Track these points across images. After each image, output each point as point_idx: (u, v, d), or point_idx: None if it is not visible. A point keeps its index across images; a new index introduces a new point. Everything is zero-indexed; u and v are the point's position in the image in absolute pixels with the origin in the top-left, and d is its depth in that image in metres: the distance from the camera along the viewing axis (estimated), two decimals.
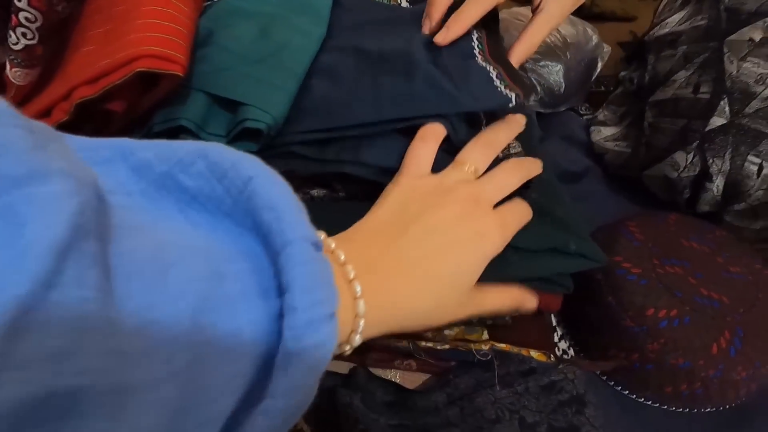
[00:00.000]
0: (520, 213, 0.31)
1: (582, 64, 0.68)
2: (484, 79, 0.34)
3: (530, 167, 0.33)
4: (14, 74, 0.30)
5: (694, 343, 0.38)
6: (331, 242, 0.24)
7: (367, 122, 0.33)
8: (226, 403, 0.16)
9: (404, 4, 0.59)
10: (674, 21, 0.56)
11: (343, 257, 0.23)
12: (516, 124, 0.35)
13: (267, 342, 0.16)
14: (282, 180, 0.19)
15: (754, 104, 0.48)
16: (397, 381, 0.38)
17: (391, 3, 0.58)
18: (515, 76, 0.35)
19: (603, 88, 0.78)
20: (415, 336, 0.37)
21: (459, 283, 0.27)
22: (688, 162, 0.52)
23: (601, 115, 0.65)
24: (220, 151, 0.18)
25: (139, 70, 0.28)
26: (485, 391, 0.34)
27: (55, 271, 0.11)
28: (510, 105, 0.32)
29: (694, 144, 0.51)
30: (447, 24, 0.36)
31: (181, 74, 0.29)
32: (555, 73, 0.67)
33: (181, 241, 0.16)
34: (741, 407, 0.42)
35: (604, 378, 0.43)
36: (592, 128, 0.64)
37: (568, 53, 0.67)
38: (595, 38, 0.69)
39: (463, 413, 0.34)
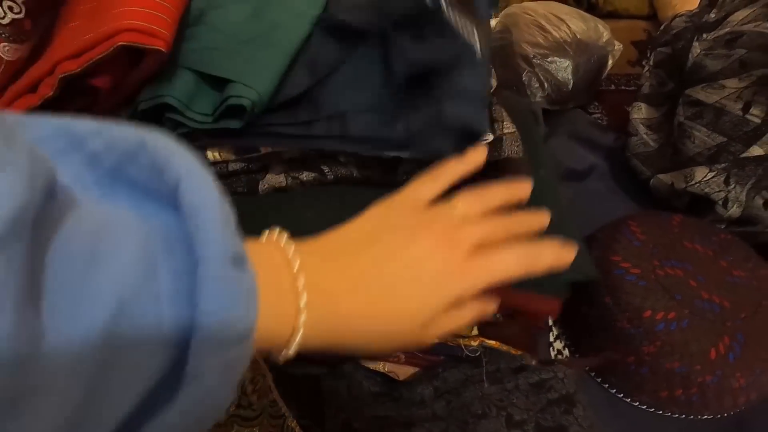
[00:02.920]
0: (504, 265, 0.27)
1: (591, 61, 0.67)
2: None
3: (531, 221, 0.29)
4: (3, 49, 0.30)
5: (691, 348, 0.37)
6: (290, 248, 0.23)
7: (348, 110, 0.32)
8: (128, 400, 0.16)
9: None
10: (736, 19, 0.51)
11: (297, 265, 0.22)
12: (519, 188, 0.31)
13: (177, 345, 0.16)
14: (210, 180, 0.18)
15: None
16: (385, 372, 0.37)
17: None
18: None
19: (613, 87, 0.76)
20: None
21: (411, 316, 0.25)
22: (705, 179, 0.50)
23: (647, 85, 0.61)
24: (156, 143, 0.18)
25: (121, 44, 0.27)
26: (473, 386, 0.34)
27: None
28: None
29: (722, 165, 0.49)
30: None
31: (164, 50, 0.29)
32: (563, 69, 0.66)
33: (122, 229, 0.16)
34: (740, 417, 0.40)
35: (599, 380, 0.42)
36: (634, 104, 0.61)
37: (577, 49, 0.66)
38: (606, 35, 0.68)
39: (449, 407, 0.33)
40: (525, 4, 0.72)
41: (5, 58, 0.30)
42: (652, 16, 0.84)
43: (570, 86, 0.65)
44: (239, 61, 0.33)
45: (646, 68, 0.62)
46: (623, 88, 0.76)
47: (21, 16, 0.29)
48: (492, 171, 0.34)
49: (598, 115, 0.71)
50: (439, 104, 0.31)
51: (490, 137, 0.33)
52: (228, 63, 0.32)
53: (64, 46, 0.29)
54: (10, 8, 0.28)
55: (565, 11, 0.68)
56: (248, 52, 0.33)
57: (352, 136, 0.32)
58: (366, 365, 0.38)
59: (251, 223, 0.34)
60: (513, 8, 0.71)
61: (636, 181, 0.60)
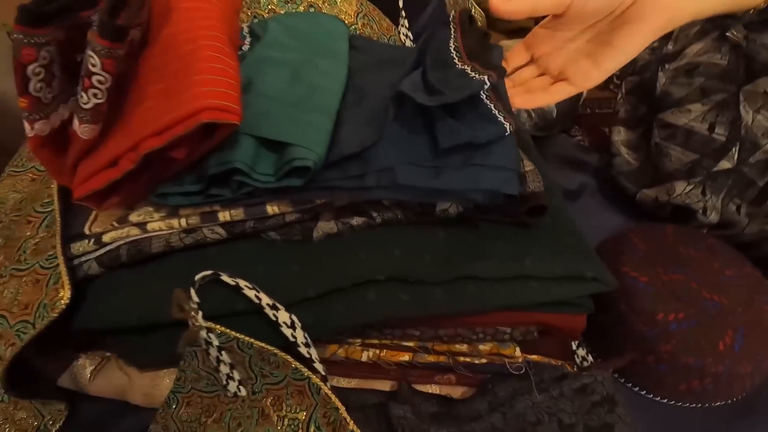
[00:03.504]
0: None
1: None
2: (461, 74, 0.37)
3: None
4: (82, 130, 0.33)
5: (702, 343, 0.42)
6: None
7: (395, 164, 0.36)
8: None
9: (408, 43, 0.64)
10: (692, 52, 0.59)
11: None
12: None
13: None
14: None
15: (757, 155, 0.54)
16: (437, 393, 0.41)
17: (396, 43, 0.63)
18: (489, 65, 0.38)
19: (589, 111, 0.84)
20: (455, 352, 0.40)
21: None
22: (684, 191, 0.57)
23: (622, 111, 0.67)
24: None
25: (203, 122, 0.31)
26: (524, 397, 0.37)
27: None
28: (485, 86, 0.35)
29: (698, 179, 0.56)
30: None
31: (238, 123, 0.32)
32: None
33: None
34: (748, 399, 0.45)
35: (622, 380, 0.47)
36: (614, 128, 0.67)
37: None
38: None
39: (505, 418, 0.37)
40: (503, 42, 0.79)
41: (83, 137, 0.33)
42: None
43: (554, 114, 0.72)
44: (293, 124, 0.36)
45: (620, 95, 0.70)
46: (597, 111, 0.84)
47: (102, 100, 0.32)
48: (520, 204, 0.39)
49: (580, 138, 0.78)
50: (476, 171, 0.36)
51: None
52: (283, 127, 0.36)
53: (144, 126, 0.32)
54: (95, 95, 0.31)
55: None
56: (298, 115, 0.37)
57: (400, 185, 0.36)
58: (420, 390, 0.41)
59: (309, 268, 0.38)
60: None
61: (623, 196, 0.66)
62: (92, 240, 0.38)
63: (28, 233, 0.38)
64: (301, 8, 0.57)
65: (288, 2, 0.57)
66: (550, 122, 0.73)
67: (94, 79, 0.31)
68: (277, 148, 0.36)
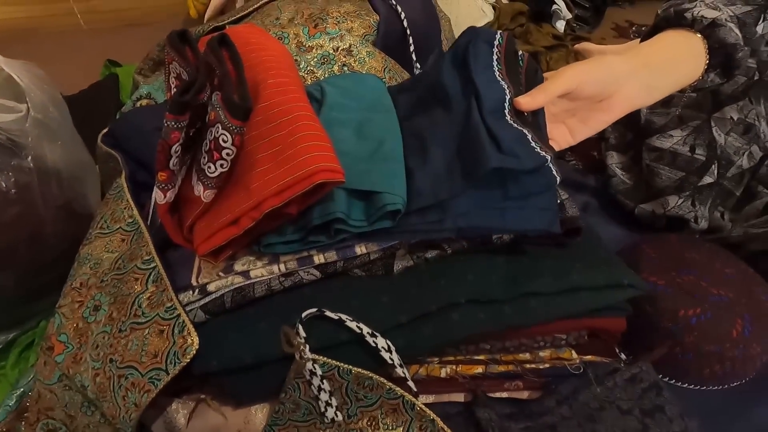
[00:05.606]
0: None
1: None
2: (522, 140, 0.42)
3: None
4: (207, 195, 0.38)
5: (719, 332, 0.50)
6: None
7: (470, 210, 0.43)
8: None
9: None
10: None
11: None
12: None
13: None
14: None
15: (732, 170, 0.64)
16: (504, 396, 0.47)
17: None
18: (543, 138, 0.45)
19: None
20: (520, 360, 0.46)
21: None
22: (677, 204, 0.66)
23: (612, 137, 0.77)
24: None
25: (318, 182, 0.37)
26: (583, 391, 0.44)
27: None
28: (547, 164, 0.41)
29: (687, 192, 0.65)
30: (532, 93, 0.46)
31: (344, 181, 0.38)
32: None
33: None
34: (759, 377, 0.53)
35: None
36: (607, 153, 0.77)
37: None
38: None
39: (572, 408, 0.43)
40: None
41: (204, 201, 0.38)
42: None
43: None
44: (375, 174, 0.42)
45: (609, 128, 0.80)
46: None
47: (226, 169, 0.37)
48: (561, 226, 0.46)
49: (574, 162, 0.87)
50: (531, 213, 0.43)
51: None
52: (371, 178, 0.42)
53: (263, 188, 0.37)
54: (221, 165, 0.37)
55: None
56: (375, 166, 0.43)
57: (474, 226, 0.42)
58: (492, 396, 0.47)
59: (398, 298, 0.43)
60: None
61: (622, 212, 0.75)
62: (197, 290, 0.43)
63: (138, 288, 0.42)
64: (336, 68, 0.64)
65: (324, 63, 0.64)
66: None
67: (224, 152, 0.36)
68: (363, 197, 0.42)
